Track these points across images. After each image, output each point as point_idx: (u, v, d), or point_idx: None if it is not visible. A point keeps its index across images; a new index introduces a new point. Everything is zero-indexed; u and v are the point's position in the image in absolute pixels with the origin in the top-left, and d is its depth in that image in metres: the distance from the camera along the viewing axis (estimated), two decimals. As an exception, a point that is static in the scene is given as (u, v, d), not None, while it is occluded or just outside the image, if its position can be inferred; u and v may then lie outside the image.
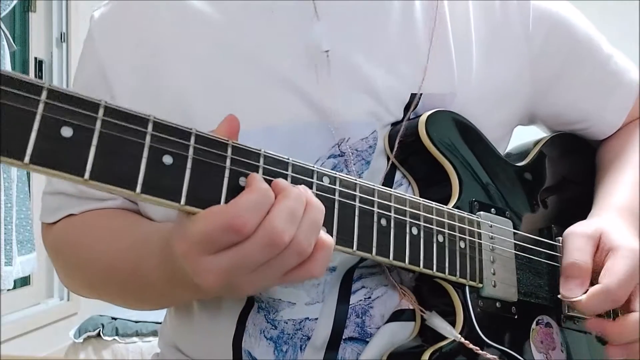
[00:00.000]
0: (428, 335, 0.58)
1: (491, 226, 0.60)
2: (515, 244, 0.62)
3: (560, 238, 0.64)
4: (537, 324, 0.63)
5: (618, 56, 0.75)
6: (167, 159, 0.40)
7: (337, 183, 0.49)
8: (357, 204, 0.50)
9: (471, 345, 0.55)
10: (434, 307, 0.58)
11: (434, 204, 0.56)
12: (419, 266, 0.53)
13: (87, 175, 0.37)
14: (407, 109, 0.61)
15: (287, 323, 0.58)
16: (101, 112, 0.38)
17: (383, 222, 0.51)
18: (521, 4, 0.68)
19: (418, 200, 0.55)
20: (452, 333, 0.55)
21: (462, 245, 0.57)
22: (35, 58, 2.55)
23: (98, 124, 0.38)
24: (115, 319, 2.24)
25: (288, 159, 0.47)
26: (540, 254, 0.64)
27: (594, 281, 0.57)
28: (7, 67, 2.11)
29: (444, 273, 0.55)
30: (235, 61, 0.59)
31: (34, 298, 2.55)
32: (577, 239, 0.59)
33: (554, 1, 0.71)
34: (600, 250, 0.59)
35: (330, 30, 0.59)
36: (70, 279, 0.67)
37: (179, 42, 0.60)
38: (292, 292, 0.58)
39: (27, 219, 2.21)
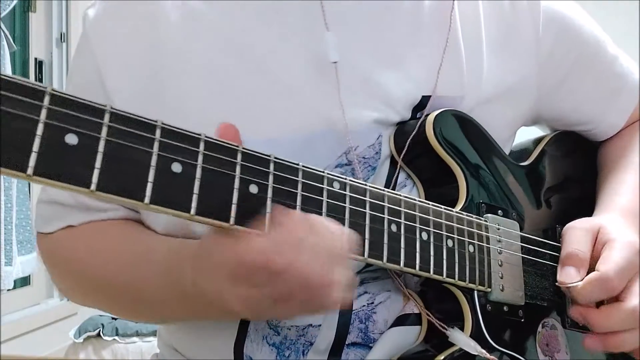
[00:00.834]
0: (435, 340, 0.57)
1: (498, 229, 0.60)
2: (522, 246, 0.62)
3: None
4: (543, 326, 0.62)
5: (623, 57, 0.75)
6: (176, 167, 0.38)
7: (348, 188, 0.48)
8: (368, 210, 0.49)
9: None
10: (441, 311, 0.58)
11: (442, 208, 0.55)
12: (429, 272, 0.53)
13: (93, 186, 0.35)
14: (415, 110, 0.60)
15: (290, 329, 0.57)
16: (107, 117, 0.36)
17: (393, 227, 0.50)
18: (531, 5, 0.67)
19: (427, 205, 0.54)
20: (476, 349, 0.55)
21: (472, 249, 0.56)
22: (35, 58, 2.53)
23: (104, 130, 0.36)
24: (115, 318, 2.23)
25: (298, 164, 0.46)
26: (545, 256, 0.64)
27: (591, 271, 0.57)
28: (7, 67, 2.10)
29: (454, 279, 0.55)
30: (242, 68, 0.57)
31: (34, 298, 2.55)
32: (575, 232, 0.60)
33: (562, 1, 0.70)
34: (598, 242, 0.59)
35: (340, 40, 0.58)
36: (65, 287, 0.66)
37: (183, 46, 0.58)
38: None
39: (27, 219, 2.20)
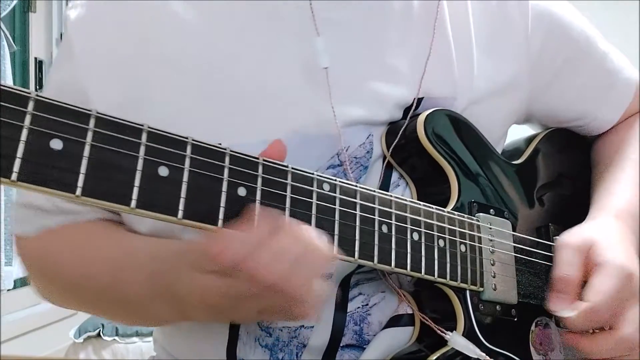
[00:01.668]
0: (427, 340, 0.57)
1: (491, 228, 0.60)
2: (514, 246, 0.62)
3: (558, 238, 0.64)
4: (536, 325, 0.62)
5: (614, 53, 0.75)
6: (163, 171, 0.38)
7: (338, 190, 0.48)
8: (358, 212, 0.49)
9: None
10: (433, 311, 0.58)
11: (434, 208, 0.55)
12: (421, 272, 0.53)
13: (79, 191, 0.35)
14: (406, 111, 0.60)
15: (282, 330, 0.57)
16: (92, 122, 0.36)
17: (384, 228, 0.50)
18: (520, 4, 0.67)
19: (418, 205, 0.54)
20: (477, 353, 0.55)
21: (463, 249, 0.56)
22: (35, 58, 2.53)
23: (89, 135, 0.36)
24: (115, 318, 2.23)
25: (287, 166, 0.46)
26: (538, 255, 0.64)
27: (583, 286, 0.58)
28: (7, 67, 2.10)
29: (446, 279, 0.55)
30: (232, 73, 0.57)
31: (34, 298, 2.51)
32: (567, 252, 0.60)
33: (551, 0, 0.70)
34: (590, 261, 0.59)
35: (330, 45, 0.58)
36: (44, 290, 0.65)
37: (172, 50, 0.57)
38: None
39: (26, 220, 2.20)
